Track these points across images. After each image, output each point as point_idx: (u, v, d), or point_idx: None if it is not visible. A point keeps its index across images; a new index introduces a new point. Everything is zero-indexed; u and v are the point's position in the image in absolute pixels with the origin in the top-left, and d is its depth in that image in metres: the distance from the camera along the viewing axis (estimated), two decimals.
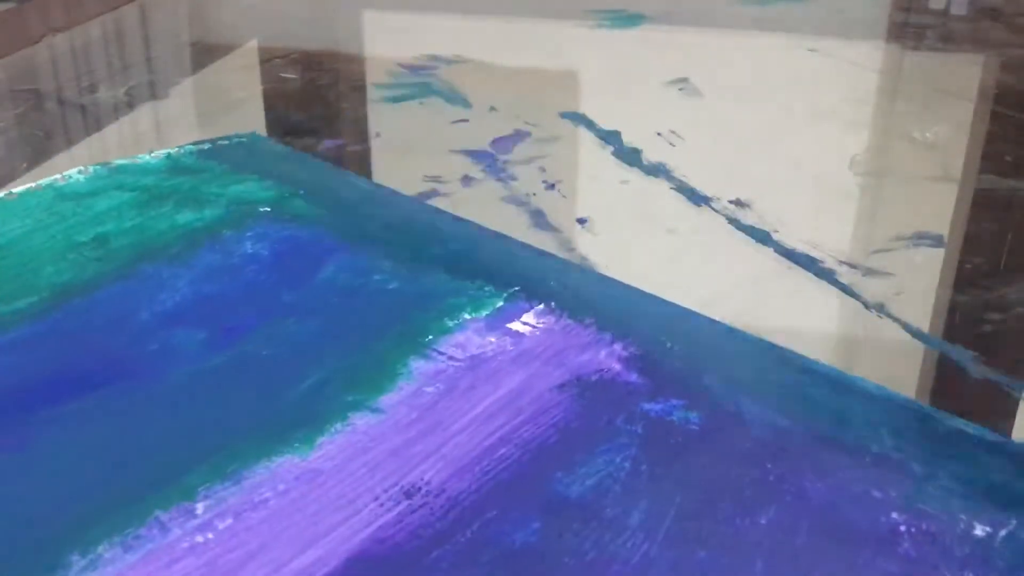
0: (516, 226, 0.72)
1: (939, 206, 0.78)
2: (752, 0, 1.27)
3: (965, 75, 1.06)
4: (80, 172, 0.69)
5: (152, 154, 0.72)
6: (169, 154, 0.73)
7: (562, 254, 0.69)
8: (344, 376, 0.49)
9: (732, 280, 0.67)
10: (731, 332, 0.55)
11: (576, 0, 1.26)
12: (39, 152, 0.87)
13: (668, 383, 0.49)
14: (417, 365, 0.50)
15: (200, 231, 0.62)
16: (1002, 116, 0.94)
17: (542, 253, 0.63)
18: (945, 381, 0.59)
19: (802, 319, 0.64)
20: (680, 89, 1.00)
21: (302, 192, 0.67)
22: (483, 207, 0.75)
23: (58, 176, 0.69)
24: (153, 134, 0.92)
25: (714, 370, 0.50)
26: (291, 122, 0.94)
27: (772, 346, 0.54)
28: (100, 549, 0.40)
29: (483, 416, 0.47)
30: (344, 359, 0.51)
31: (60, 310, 0.55)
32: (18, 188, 0.67)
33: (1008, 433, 0.53)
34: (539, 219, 0.74)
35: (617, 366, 0.50)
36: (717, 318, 0.58)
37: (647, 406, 0.47)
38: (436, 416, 0.47)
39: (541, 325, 0.53)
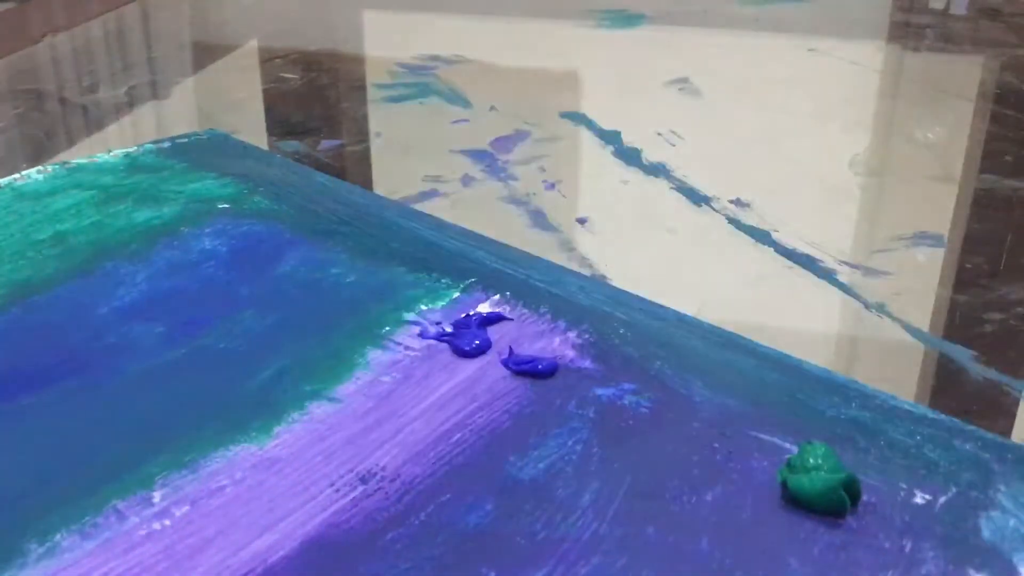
0: (516, 226, 0.72)
1: (939, 206, 0.78)
2: (752, 0, 1.27)
3: (965, 75, 1.06)
4: (39, 172, 0.69)
5: (111, 153, 0.73)
6: (128, 153, 0.73)
7: (562, 254, 0.69)
8: (301, 367, 0.50)
9: (732, 280, 0.67)
10: (682, 319, 0.56)
11: (576, 0, 1.26)
12: (40, 152, 0.87)
13: (620, 369, 0.50)
14: (374, 355, 0.51)
15: (158, 228, 0.63)
16: (1002, 116, 0.94)
17: (501, 245, 0.63)
18: (945, 381, 0.59)
19: (802, 319, 0.64)
20: (680, 89, 1.00)
21: (261, 188, 0.67)
22: (483, 207, 0.75)
23: (16, 175, 0.69)
24: (153, 134, 0.92)
25: (665, 356, 0.51)
26: (291, 122, 0.94)
27: (723, 332, 0.54)
28: (57, 537, 0.40)
29: (438, 403, 0.48)
30: (301, 351, 0.51)
31: (19, 306, 0.55)
32: None
33: (1008, 433, 0.53)
34: (539, 219, 0.74)
35: (571, 353, 0.51)
36: (717, 318, 0.58)
37: (599, 391, 0.48)
38: (392, 404, 0.48)
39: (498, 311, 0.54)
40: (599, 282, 0.58)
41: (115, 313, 0.55)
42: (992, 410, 0.55)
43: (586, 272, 0.66)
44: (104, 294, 0.56)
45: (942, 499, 0.42)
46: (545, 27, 1.22)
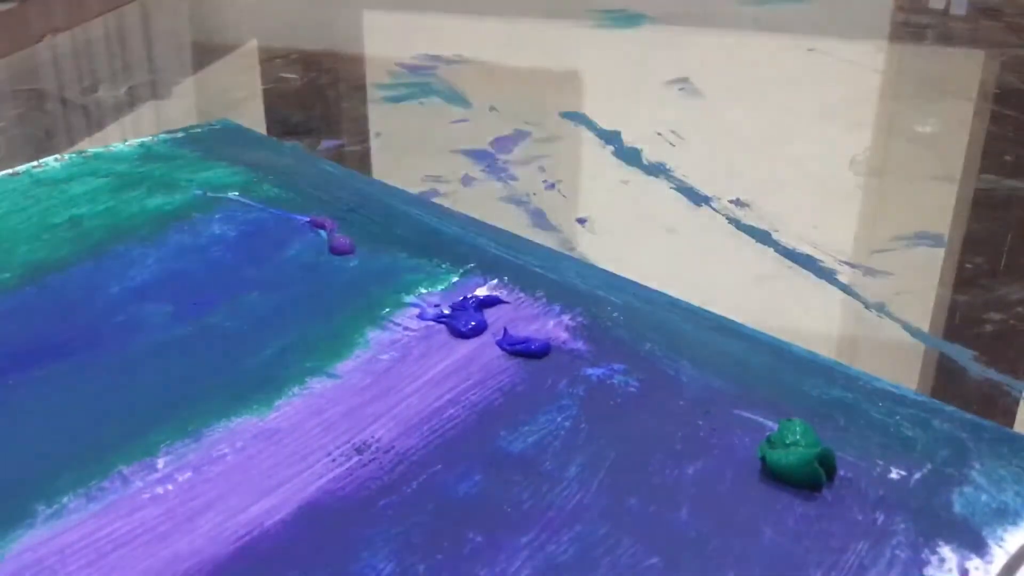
0: (516, 226, 0.72)
1: (939, 206, 0.78)
2: (752, 0, 1.27)
3: (965, 75, 1.06)
4: (56, 159, 0.71)
5: (126, 143, 0.74)
6: (143, 142, 0.75)
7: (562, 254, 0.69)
8: (303, 345, 0.52)
9: (732, 280, 0.67)
10: (674, 303, 0.57)
11: (576, 0, 1.26)
12: (40, 152, 0.87)
13: (611, 350, 0.51)
14: (374, 335, 0.53)
15: (170, 214, 0.65)
16: (1002, 116, 0.94)
17: (501, 232, 0.64)
18: (945, 381, 0.59)
19: (802, 319, 0.64)
20: (680, 89, 1.00)
21: (270, 177, 0.69)
22: (483, 207, 0.75)
23: (34, 163, 0.70)
24: (154, 133, 0.92)
25: (656, 338, 0.52)
26: (291, 122, 0.94)
27: (712, 316, 0.55)
28: (65, 499, 0.42)
29: (433, 380, 0.49)
30: (304, 330, 0.53)
31: (34, 284, 0.57)
32: None
33: None
34: (539, 219, 0.74)
35: (564, 335, 0.52)
36: None
37: (589, 371, 0.50)
38: (389, 380, 0.49)
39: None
40: (595, 268, 0.59)
41: (126, 292, 0.57)
42: (992, 410, 0.55)
43: None
44: (116, 275, 0.58)
45: (917, 475, 0.43)
46: (545, 27, 1.22)
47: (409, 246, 0.60)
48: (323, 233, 0.62)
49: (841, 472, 0.43)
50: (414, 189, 0.77)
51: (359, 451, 0.45)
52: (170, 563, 0.39)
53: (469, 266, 0.58)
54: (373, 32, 1.24)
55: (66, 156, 0.71)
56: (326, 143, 0.87)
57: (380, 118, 0.95)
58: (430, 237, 0.62)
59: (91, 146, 0.88)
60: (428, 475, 0.43)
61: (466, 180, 0.80)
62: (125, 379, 0.50)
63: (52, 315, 0.55)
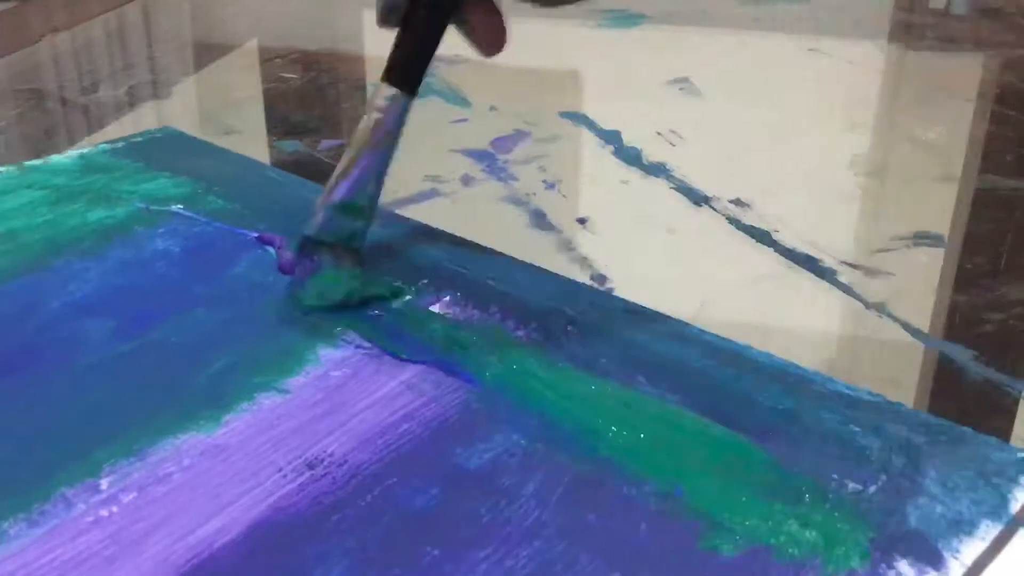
0: (516, 226, 0.72)
1: (939, 206, 0.78)
2: (752, 0, 1.27)
3: (965, 75, 1.06)
4: None
5: (65, 154, 0.73)
6: (82, 154, 0.73)
7: (562, 254, 0.69)
8: (252, 361, 0.50)
9: (732, 280, 0.67)
10: (630, 309, 0.57)
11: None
12: (40, 152, 0.87)
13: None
14: (325, 352, 0.51)
15: (111, 228, 0.63)
16: (1002, 116, 0.95)
17: (457, 241, 0.64)
18: (945, 381, 0.59)
19: (802, 319, 0.64)
20: (680, 89, 1.00)
21: (216, 187, 0.68)
22: (483, 207, 0.75)
23: None
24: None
25: (610, 351, 0.52)
26: (291, 122, 0.94)
27: (672, 321, 0.55)
28: (5, 525, 0.41)
29: (387, 396, 0.48)
30: (252, 346, 0.52)
31: None
32: None
33: (1008, 434, 0.53)
34: (539, 219, 0.74)
35: None
36: (717, 318, 0.58)
37: None
38: (342, 396, 0.48)
39: (447, 313, 0.54)
40: (552, 276, 0.59)
41: (66, 308, 0.55)
42: (992, 410, 0.55)
43: (586, 272, 0.66)
44: (55, 289, 0.56)
45: (872, 488, 0.43)
46: (545, 27, 1.22)
47: (363, 261, 0.59)
48: (271, 250, 0.60)
49: (799, 488, 0.42)
50: (414, 189, 0.78)
51: (311, 466, 0.44)
52: None
53: (423, 282, 0.57)
54: (373, 32, 1.24)
55: (2, 168, 0.70)
56: (326, 143, 0.87)
57: None
58: (382, 251, 0.60)
59: (91, 146, 0.88)
60: (383, 488, 0.42)
61: (466, 180, 0.80)
62: (67, 397, 0.48)
63: None
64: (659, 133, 0.89)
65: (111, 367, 0.50)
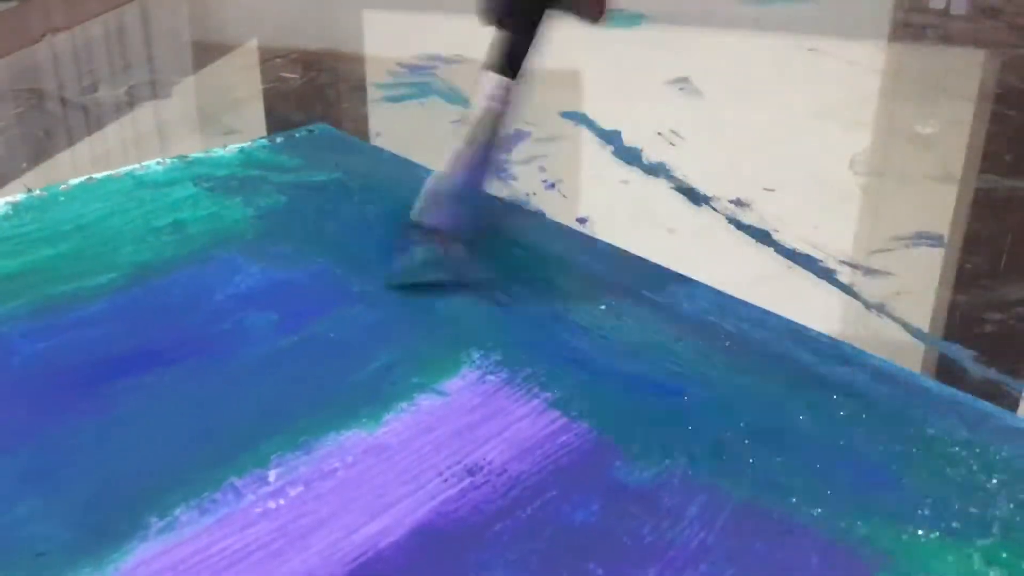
0: None
1: (939, 206, 0.78)
2: (752, 0, 1.27)
3: (965, 75, 1.06)
4: (158, 163, 0.73)
5: (226, 148, 0.76)
6: (243, 148, 0.76)
7: None
8: (410, 360, 0.51)
9: (732, 280, 0.67)
10: (793, 329, 0.56)
11: None
12: (40, 152, 0.87)
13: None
14: (481, 355, 0.52)
15: (272, 222, 0.65)
16: (1002, 116, 0.95)
17: (631, 261, 0.64)
18: (945, 381, 0.58)
19: (802, 319, 0.64)
20: (680, 89, 1.00)
21: (370, 184, 0.70)
22: None
23: (136, 165, 0.72)
24: (154, 133, 0.92)
25: (769, 367, 0.52)
26: (291, 122, 0.94)
27: (842, 345, 0.54)
28: (177, 512, 0.42)
29: (543, 405, 0.48)
30: (410, 345, 0.53)
31: (139, 287, 0.57)
32: (99, 174, 0.70)
33: None
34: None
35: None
36: None
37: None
38: (498, 402, 0.49)
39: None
40: (704, 287, 0.59)
41: (230, 300, 0.57)
42: None
43: None
44: (220, 281, 0.58)
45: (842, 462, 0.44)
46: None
47: (472, 248, 0.60)
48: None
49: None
50: None
51: (471, 472, 0.44)
52: None
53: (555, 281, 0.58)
54: (373, 32, 1.24)
55: (167, 160, 0.73)
56: None
57: (380, 118, 0.95)
58: (552, 258, 0.61)
59: (90, 146, 0.88)
60: (543, 501, 0.42)
61: None
62: (233, 387, 0.49)
63: (158, 319, 0.55)
64: (659, 133, 0.89)
65: (275, 360, 0.52)
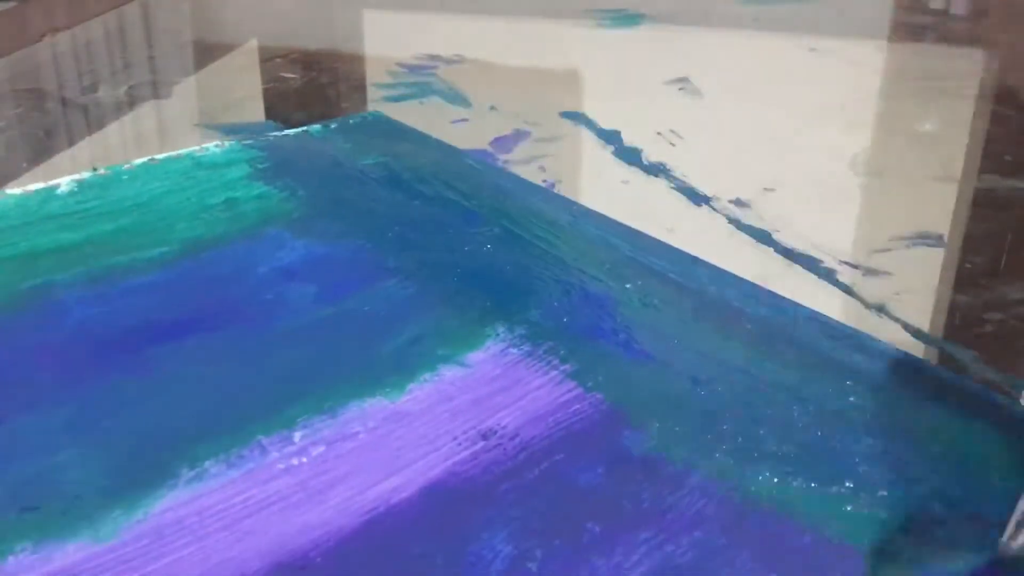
0: None
1: (939, 206, 0.78)
2: (752, 0, 1.27)
3: (965, 75, 1.06)
4: (217, 146, 0.76)
5: (283, 132, 0.80)
6: (297, 132, 0.80)
7: None
8: (437, 334, 0.54)
9: None
10: (824, 323, 0.57)
11: (576, 0, 1.26)
12: (40, 151, 0.87)
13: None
14: (506, 329, 0.54)
15: (318, 201, 0.68)
16: (1002, 116, 0.94)
17: (639, 236, 0.66)
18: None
19: None
20: (680, 89, 1.00)
21: (417, 169, 0.72)
22: None
23: (196, 148, 0.75)
24: (154, 133, 0.92)
25: (794, 356, 0.53)
26: (291, 121, 0.94)
27: (885, 345, 0.55)
28: (207, 464, 0.45)
29: (561, 376, 0.51)
30: (438, 320, 0.55)
31: (190, 260, 0.61)
32: (160, 155, 0.74)
33: None
34: None
35: None
36: None
37: None
38: (518, 373, 0.51)
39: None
40: (732, 276, 0.60)
41: (273, 272, 0.60)
42: (991, 411, 0.55)
43: None
44: (265, 256, 0.62)
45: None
46: (545, 27, 1.22)
47: (556, 249, 0.62)
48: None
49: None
50: None
51: (484, 436, 0.46)
52: (301, 531, 0.41)
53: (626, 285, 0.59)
54: (373, 32, 1.24)
55: (226, 143, 0.76)
56: None
57: None
58: (583, 241, 0.63)
59: (90, 146, 0.88)
60: (550, 463, 0.44)
61: None
62: (268, 354, 0.52)
63: (206, 289, 0.58)
64: (659, 133, 0.89)
65: (309, 330, 0.55)
